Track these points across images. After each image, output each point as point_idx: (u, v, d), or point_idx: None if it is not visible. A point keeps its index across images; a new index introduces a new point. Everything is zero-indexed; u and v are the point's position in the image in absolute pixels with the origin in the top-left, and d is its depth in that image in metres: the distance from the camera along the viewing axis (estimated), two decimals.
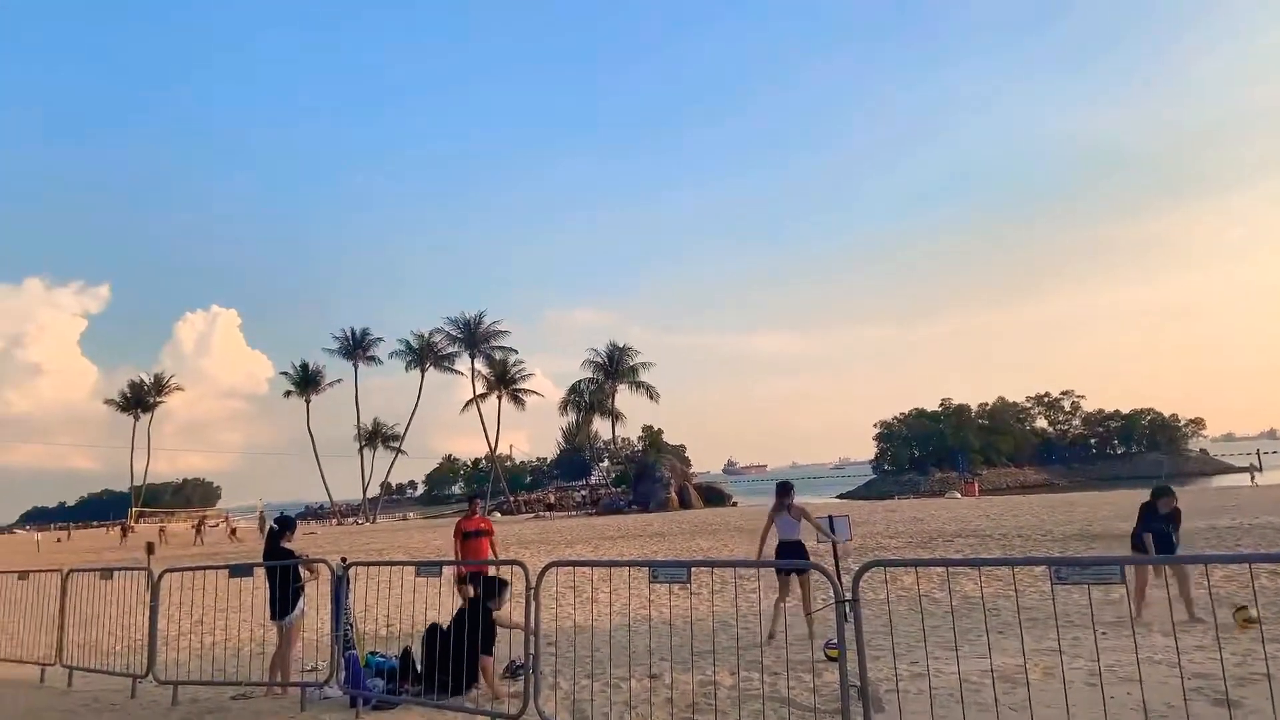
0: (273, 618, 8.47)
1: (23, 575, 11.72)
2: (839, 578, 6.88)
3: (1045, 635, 8.74)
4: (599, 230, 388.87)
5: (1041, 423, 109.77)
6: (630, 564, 7.43)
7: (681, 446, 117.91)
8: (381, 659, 8.53)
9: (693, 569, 6.26)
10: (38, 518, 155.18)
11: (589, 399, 74.62)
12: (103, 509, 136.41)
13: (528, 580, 6.74)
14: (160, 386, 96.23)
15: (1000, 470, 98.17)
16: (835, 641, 6.15)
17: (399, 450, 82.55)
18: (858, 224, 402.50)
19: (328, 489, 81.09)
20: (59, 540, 70.15)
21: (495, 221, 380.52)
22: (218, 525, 72.29)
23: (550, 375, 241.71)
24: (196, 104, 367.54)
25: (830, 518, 10.68)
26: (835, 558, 10.40)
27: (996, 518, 27.72)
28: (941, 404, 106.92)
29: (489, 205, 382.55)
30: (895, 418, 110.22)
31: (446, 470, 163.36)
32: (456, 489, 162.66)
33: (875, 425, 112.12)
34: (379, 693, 7.87)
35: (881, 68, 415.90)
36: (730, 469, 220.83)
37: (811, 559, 9.19)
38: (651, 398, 72.43)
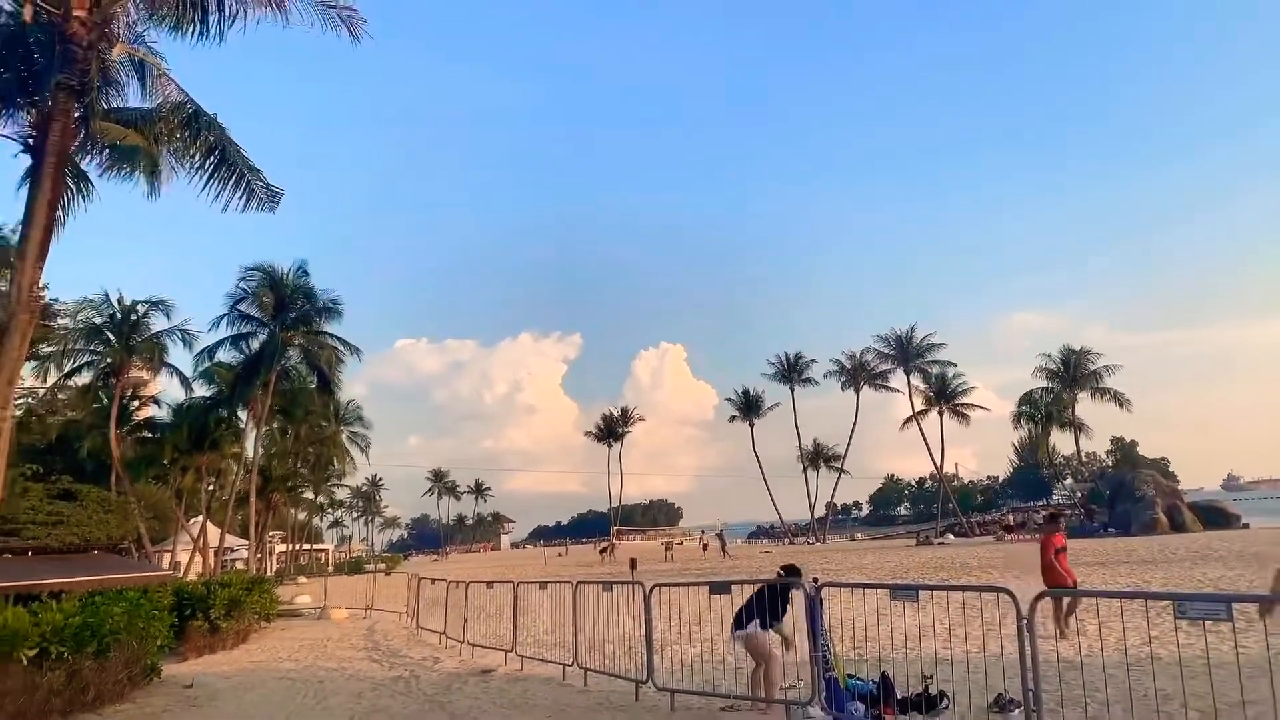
0: (734, 630, 8.77)
1: (543, 586, 13.70)
2: None
3: None
4: (1040, 227, 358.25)
5: None
6: (1146, 596, 6.43)
7: (1163, 460, 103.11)
8: (860, 682, 8.41)
9: (1235, 604, 5.22)
10: (541, 535, 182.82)
11: (1044, 410, 68.12)
12: (589, 527, 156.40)
13: (1018, 610, 6.18)
14: (626, 418, 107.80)
15: None
16: None
17: (841, 470, 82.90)
18: None
19: (777, 509, 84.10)
20: (559, 555, 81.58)
21: (923, 231, 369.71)
22: (682, 543, 78.71)
23: (994, 387, 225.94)
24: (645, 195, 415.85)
25: None
26: None
27: None
28: None
29: (914, 218, 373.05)
30: None
31: (889, 490, 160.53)
32: (902, 509, 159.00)
33: None
34: (861, 717, 7.76)
35: None
36: (1231, 485, 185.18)
37: None
38: (1121, 405, 63.85)
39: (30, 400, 38.56)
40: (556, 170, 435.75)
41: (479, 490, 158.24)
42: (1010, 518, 72.82)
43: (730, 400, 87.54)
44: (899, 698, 7.96)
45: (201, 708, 10.71)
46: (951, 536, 63.94)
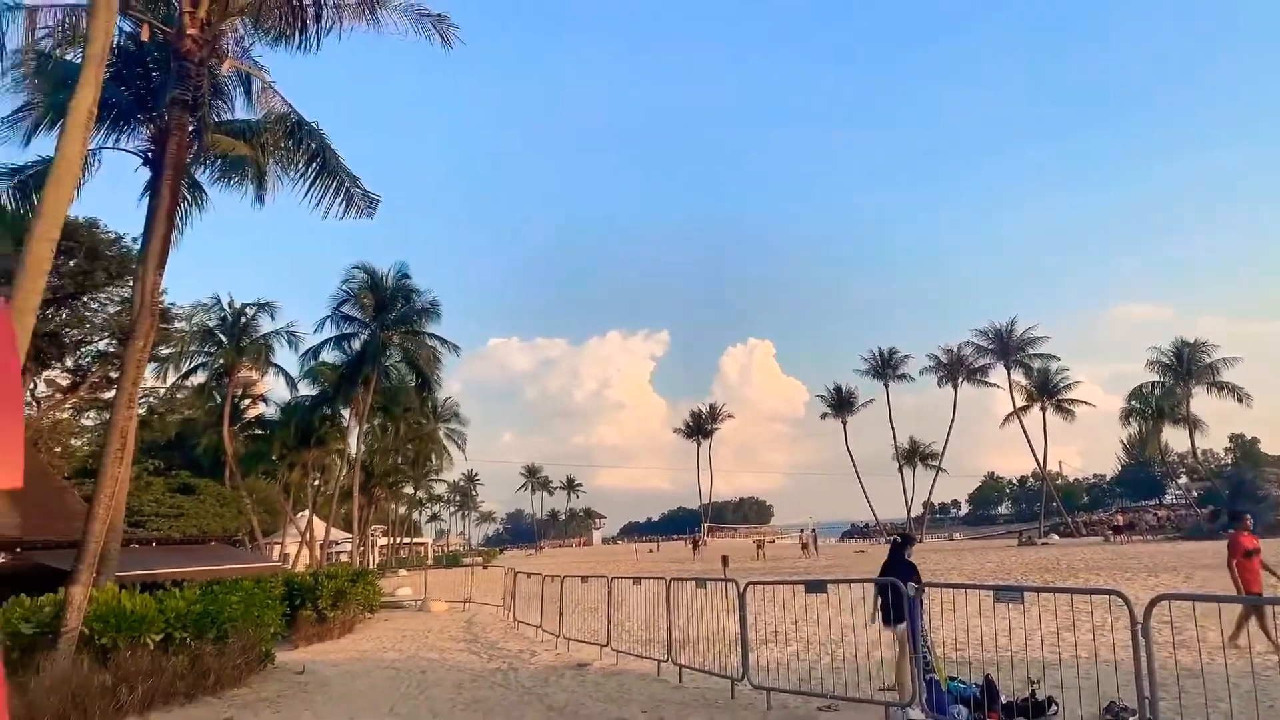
0: (885, 623, 8.64)
1: (636, 582, 13.78)
2: None
3: None
4: (1137, 210, 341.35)
5: None
6: (1273, 601, 6.09)
7: None
8: (962, 685, 8.20)
9: None
10: (632, 531, 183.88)
11: (1155, 406, 64.85)
12: (679, 524, 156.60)
13: (1132, 614, 5.92)
14: (715, 415, 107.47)
15: None
16: None
17: (938, 468, 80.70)
18: None
19: (872, 508, 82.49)
20: (650, 551, 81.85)
21: (1019, 221, 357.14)
22: (774, 541, 78.02)
23: (1099, 382, 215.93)
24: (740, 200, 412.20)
25: None
26: None
27: None
28: None
29: (1010, 207, 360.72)
30: None
31: (989, 488, 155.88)
32: (1003, 509, 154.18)
33: None
34: None
35: None
36: None
37: None
38: (1240, 400, 60.27)
39: (151, 399, 40.80)
40: (642, 169, 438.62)
41: (571, 486, 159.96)
42: (1119, 518, 69.57)
43: (821, 397, 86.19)
44: (1004, 702, 7.72)
45: (313, 694, 11.15)
46: (1056, 537, 61.62)
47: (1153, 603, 5.90)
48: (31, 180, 14.61)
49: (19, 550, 15.11)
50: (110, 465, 11.17)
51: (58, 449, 33.26)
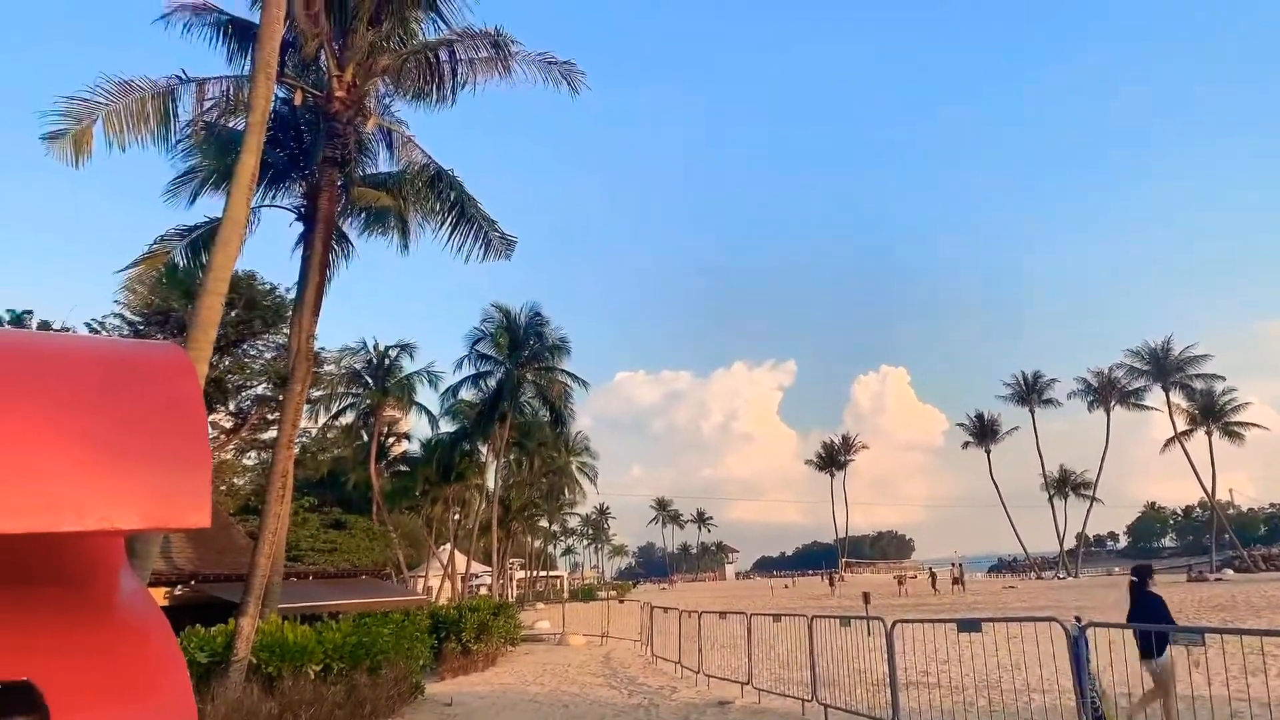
0: (1142, 657, 8.21)
1: (777, 619, 13.53)
2: None
3: None
4: None
5: None
6: None
7: None
8: None
9: None
10: (766, 566, 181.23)
11: None
12: (814, 559, 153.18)
13: None
14: (848, 445, 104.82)
15: None
16: None
17: (1092, 498, 75.90)
18: None
19: (1020, 540, 78.39)
20: (786, 587, 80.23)
21: (1177, 228, 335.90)
22: (916, 577, 75.08)
23: (1271, 401, 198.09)
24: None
25: None
26: None
27: None
28: None
29: (1164, 212, 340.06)
30: None
31: (1150, 519, 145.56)
32: (1166, 541, 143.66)
33: None
34: None
35: None
36: None
37: None
38: None
39: (305, 440, 43.21)
40: (766, 196, 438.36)
41: (701, 519, 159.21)
42: None
43: (962, 425, 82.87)
44: None
45: None
46: (1230, 571, 56.80)
47: None
48: (200, 240, 15.82)
49: (194, 583, 16.21)
50: (273, 503, 11.86)
51: (223, 488, 35.57)
